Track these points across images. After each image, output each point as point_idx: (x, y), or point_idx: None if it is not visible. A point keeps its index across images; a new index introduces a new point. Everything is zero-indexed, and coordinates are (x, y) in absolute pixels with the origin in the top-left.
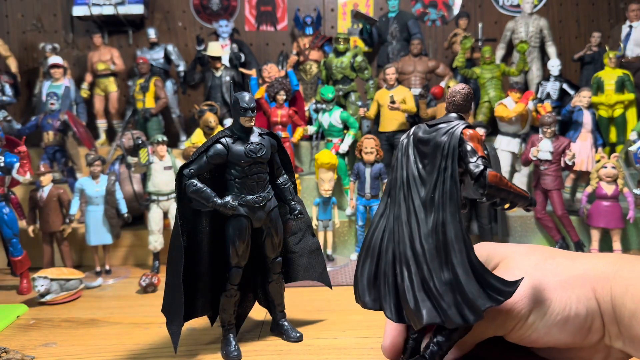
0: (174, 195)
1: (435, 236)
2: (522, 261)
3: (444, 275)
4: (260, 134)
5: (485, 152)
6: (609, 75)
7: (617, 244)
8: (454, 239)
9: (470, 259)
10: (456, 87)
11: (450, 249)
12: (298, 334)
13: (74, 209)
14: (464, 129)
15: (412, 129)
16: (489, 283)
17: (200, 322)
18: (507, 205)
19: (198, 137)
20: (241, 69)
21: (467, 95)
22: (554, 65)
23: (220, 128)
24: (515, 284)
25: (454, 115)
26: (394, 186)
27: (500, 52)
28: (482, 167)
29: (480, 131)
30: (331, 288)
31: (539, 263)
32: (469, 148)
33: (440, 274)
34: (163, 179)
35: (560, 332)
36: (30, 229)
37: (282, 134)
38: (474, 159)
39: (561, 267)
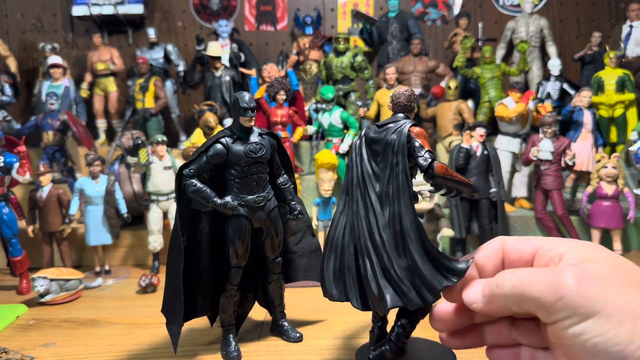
0: (173, 195)
1: (392, 227)
2: (618, 272)
3: (402, 262)
4: (260, 134)
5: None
6: (610, 75)
7: (617, 244)
8: (409, 227)
9: (424, 244)
10: (400, 90)
11: (407, 237)
12: (298, 335)
13: (74, 209)
14: (410, 126)
15: (364, 130)
16: (443, 265)
17: (200, 322)
18: (452, 194)
19: (198, 137)
20: (241, 69)
21: (410, 96)
22: (555, 65)
23: (220, 128)
24: (467, 262)
25: (400, 115)
26: (350, 184)
27: (500, 52)
28: (430, 160)
29: (481, 131)
30: None
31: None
32: (416, 144)
33: (399, 260)
34: (163, 179)
35: None
36: (30, 229)
37: (282, 134)
38: (422, 152)
39: None
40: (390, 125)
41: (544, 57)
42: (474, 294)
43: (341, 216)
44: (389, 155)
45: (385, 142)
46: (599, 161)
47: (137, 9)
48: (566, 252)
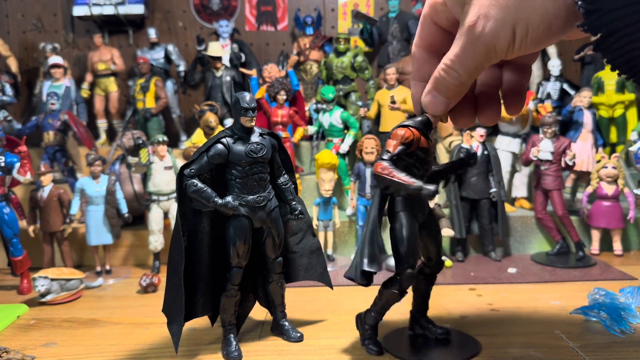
0: (174, 195)
1: (368, 217)
2: None
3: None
4: (260, 134)
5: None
6: (610, 76)
7: (617, 244)
8: (373, 219)
9: (373, 232)
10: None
11: (372, 225)
12: (299, 334)
13: (75, 209)
14: (397, 128)
15: None
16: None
17: (200, 322)
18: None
19: (198, 137)
20: (241, 69)
21: None
22: (555, 65)
23: (220, 128)
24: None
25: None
26: None
27: None
28: (379, 160)
29: (481, 131)
30: (332, 288)
31: None
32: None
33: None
34: (163, 179)
35: (549, 33)
36: (31, 229)
37: (283, 134)
38: (384, 152)
39: None
40: None
41: (544, 57)
42: (435, 99)
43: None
44: None
45: None
46: (599, 161)
47: (138, 9)
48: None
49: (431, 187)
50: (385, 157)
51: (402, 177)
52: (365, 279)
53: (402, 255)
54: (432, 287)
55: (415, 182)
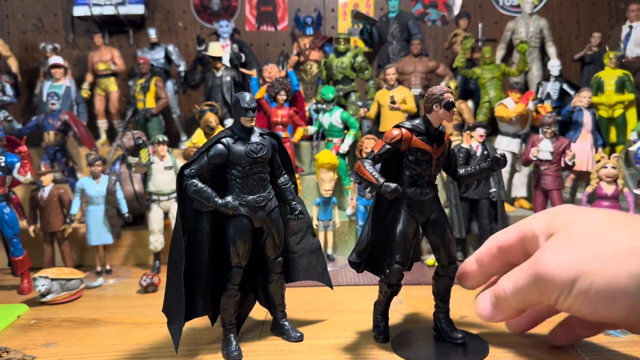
0: (174, 195)
1: None
2: (581, 225)
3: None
4: (260, 134)
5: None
6: (609, 76)
7: None
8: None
9: (367, 223)
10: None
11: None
12: (299, 334)
13: (75, 208)
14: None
15: None
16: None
17: (200, 322)
18: (367, 188)
19: (199, 137)
20: (242, 69)
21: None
22: (554, 65)
23: (220, 128)
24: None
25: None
26: None
27: (500, 52)
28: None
29: (480, 131)
30: (332, 288)
31: (600, 228)
32: None
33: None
34: (164, 179)
35: (609, 309)
36: (31, 228)
37: (283, 134)
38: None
39: (619, 235)
40: None
41: (544, 57)
42: (484, 307)
43: None
44: None
45: None
46: (598, 161)
47: (138, 9)
48: (539, 233)
49: (391, 186)
50: (368, 156)
51: (370, 174)
52: (355, 267)
53: (392, 250)
54: (448, 289)
55: (378, 180)
